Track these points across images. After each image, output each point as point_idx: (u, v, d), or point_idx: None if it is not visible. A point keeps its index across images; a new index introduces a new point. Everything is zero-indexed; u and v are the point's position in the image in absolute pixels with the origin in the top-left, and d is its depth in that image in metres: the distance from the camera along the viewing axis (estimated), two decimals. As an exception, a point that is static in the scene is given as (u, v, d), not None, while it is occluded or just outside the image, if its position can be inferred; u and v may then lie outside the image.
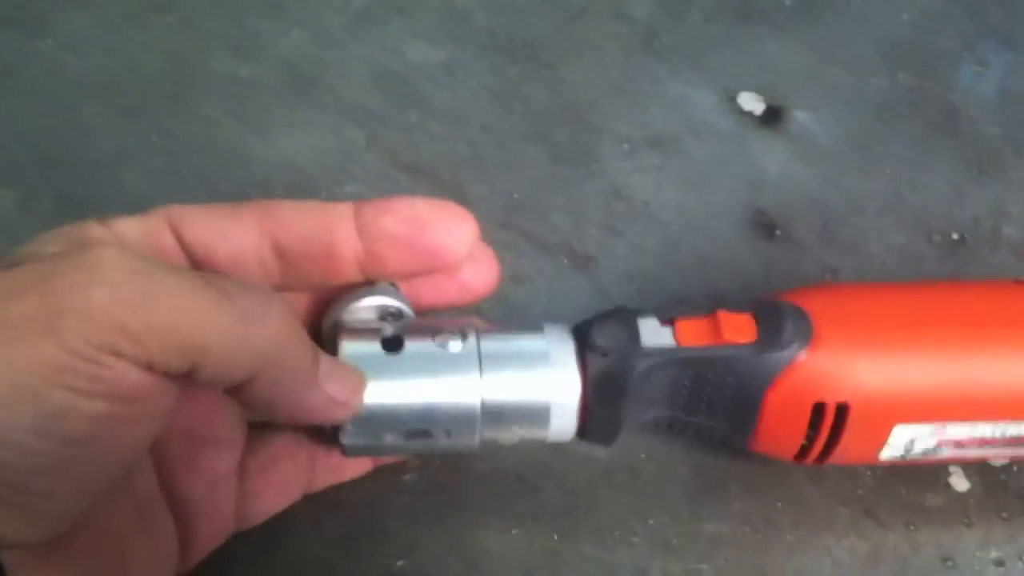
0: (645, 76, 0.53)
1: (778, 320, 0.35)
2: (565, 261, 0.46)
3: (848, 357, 0.35)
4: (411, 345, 0.33)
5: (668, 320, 0.35)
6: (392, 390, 0.32)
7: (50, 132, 0.48)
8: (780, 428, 0.36)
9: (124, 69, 0.50)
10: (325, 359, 0.30)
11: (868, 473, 0.41)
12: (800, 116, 0.52)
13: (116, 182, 0.47)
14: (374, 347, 0.33)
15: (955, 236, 0.48)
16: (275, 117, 0.50)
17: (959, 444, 0.37)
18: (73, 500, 0.26)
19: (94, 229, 0.31)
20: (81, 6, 0.52)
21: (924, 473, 0.41)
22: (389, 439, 0.33)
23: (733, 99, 0.52)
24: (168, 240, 0.32)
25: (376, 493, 0.39)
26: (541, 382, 0.33)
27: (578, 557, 0.39)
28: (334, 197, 0.43)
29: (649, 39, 0.54)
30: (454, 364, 0.33)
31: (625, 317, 0.35)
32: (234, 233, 0.32)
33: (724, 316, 0.35)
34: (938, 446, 0.37)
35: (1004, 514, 0.41)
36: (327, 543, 0.38)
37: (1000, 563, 0.39)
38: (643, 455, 0.41)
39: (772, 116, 0.51)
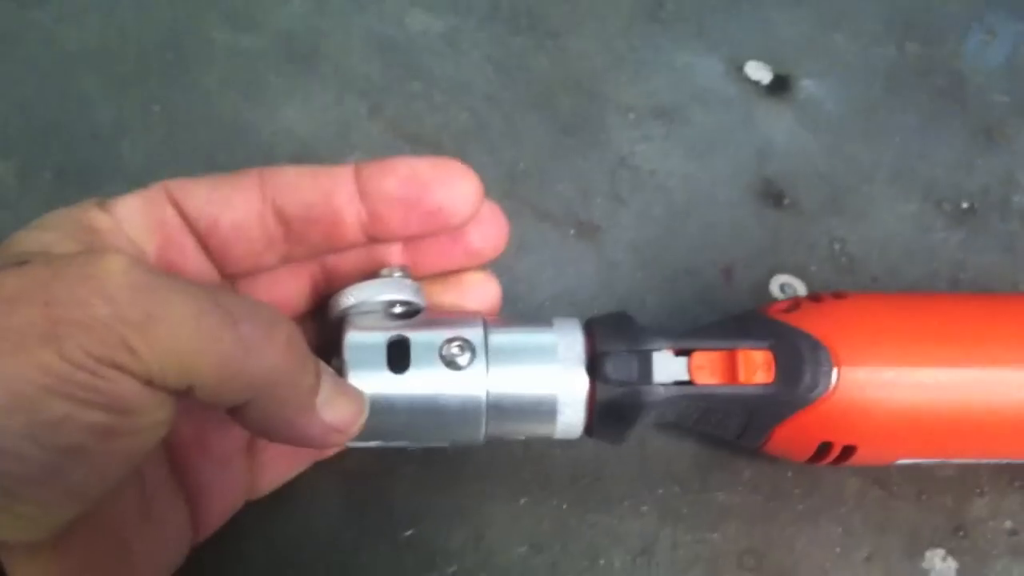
0: (649, 45, 0.52)
1: (797, 363, 0.34)
2: (571, 231, 0.46)
3: (862, 406, 0.34)
4: (417, 362, 0.32)
5: (684, 351, 0.34)
6: (396, 410, 0.32)
7: (48, 103, 0.47)
8: (786, 451, 0.36)
9: (122, 40, 0.50)
10: (327, 384, 0.29)
11: (879, 442, 0.40)
12: (807, 85, 0.51)
13: (114, 153, 0.46)
14: (379, 358, 0.32)
15: (964, 205, 0.48)
16: (275, 88, 0.49)
17: (961, 466, 0.39)
18: (67, 507, 0.26)
19: (98, 218, 0.30)
20: (77, -24, 0.52)
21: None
22: (393, 443, 0.34)
23: (740, 68, 0.51)
24: (170, 215, 0.31)
25: (383, 463, 0.39)
26: (548, 379, 0.33)
27: (586, 526, 0.38)
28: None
29: (653, 7, 0.53)
30: (461, 381, 0.32)
31: (638, 340, 0.34)
32: (236, 202, 0.32)
33: (743, 355, 0.34)
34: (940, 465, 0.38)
35: (1016, 483, 0.40)
36: (334, 513, 0.38)
37: (1013, 532, 0.39)
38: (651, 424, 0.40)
39: (779, 85, 0.51)
